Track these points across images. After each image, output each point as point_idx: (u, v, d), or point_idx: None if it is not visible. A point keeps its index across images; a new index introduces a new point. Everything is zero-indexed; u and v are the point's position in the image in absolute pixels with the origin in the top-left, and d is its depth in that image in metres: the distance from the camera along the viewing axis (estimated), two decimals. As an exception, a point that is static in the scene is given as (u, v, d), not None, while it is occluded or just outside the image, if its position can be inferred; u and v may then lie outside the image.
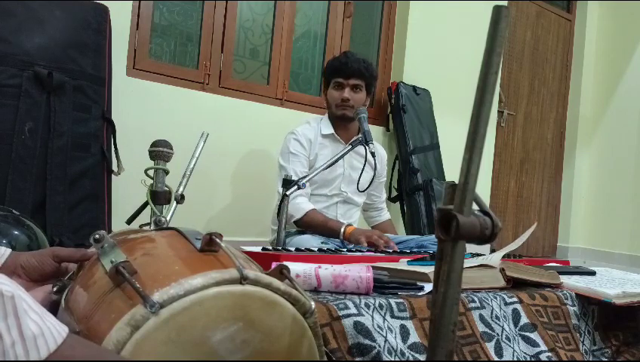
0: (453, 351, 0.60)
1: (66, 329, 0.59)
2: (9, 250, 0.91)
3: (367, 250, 1.64)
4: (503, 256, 1.42)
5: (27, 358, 0.55)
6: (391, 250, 1.69)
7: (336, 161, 1.82)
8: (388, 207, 2.46)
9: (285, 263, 0.84)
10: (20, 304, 0.55)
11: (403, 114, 3.11)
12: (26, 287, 0.77)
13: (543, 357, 1.16)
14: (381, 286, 1.10)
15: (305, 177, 1.71)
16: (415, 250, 1.80)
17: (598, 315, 1.36)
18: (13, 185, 1.86)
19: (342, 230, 1.91)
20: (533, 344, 1.18)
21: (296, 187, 1.65)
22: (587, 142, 4.51)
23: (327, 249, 1.58)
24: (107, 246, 0.79)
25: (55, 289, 0.86)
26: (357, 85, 2.06)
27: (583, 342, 1.29)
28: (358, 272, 1.06)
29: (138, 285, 0.66)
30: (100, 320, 0.67)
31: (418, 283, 1.14)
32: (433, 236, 1.93)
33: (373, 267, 1.14)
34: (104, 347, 0.62)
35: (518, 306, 1.21)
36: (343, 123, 2.11)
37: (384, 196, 2.39)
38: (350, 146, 1.87)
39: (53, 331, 0.57)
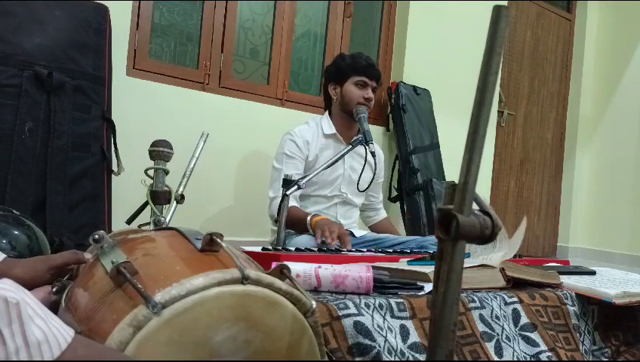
0: (453, 351, 0.60)
1: (71, 333, 0.59)
2: (3, 256, 0.91)
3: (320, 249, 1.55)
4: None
5: None
6: (345, 249, 1.60)
7: (337, 161, 1.82)
8: (388, 207, 2.46)
9: (285, 263, 0.84)
10: (24, 310, 0.55)
11: (403, 114, 3.11)
12: None
13: (543, 357, 1.16)
14: (381, 286, 1.10)
15: (305, 177, 1.71)
16: (415, 250, 1.80)
17: (598, 315, 1.36)
18: (13, 185, 1.86)
19: (308, 223, 1.85)
20: (533, 344, 1.18)
21: (296, 187, 1.65)
22: (587, 142, 4.50)
23: (327, 249, 1.58)
24: (107, 247, 0.79)
25: (55, 289, 0.86)
26: (375, 88, 2.12)
27: (583, 341, 1.29)
28: (358, 272, 1.06)
29: (140, 285, 0.66)
30: (102, 321, 0.67)
31: (418, 283, 1.14)
32: (433, 237, 1.92)
33: (374, 267, 1.14)
34: (107, 346, 0.62)
35: (518, 306, 1.21)
36: (349, 122, 2.11)
37: (381, 197, 2.40)
38: (350, 146, 1.87)
39: (58, 336, 0.57)
